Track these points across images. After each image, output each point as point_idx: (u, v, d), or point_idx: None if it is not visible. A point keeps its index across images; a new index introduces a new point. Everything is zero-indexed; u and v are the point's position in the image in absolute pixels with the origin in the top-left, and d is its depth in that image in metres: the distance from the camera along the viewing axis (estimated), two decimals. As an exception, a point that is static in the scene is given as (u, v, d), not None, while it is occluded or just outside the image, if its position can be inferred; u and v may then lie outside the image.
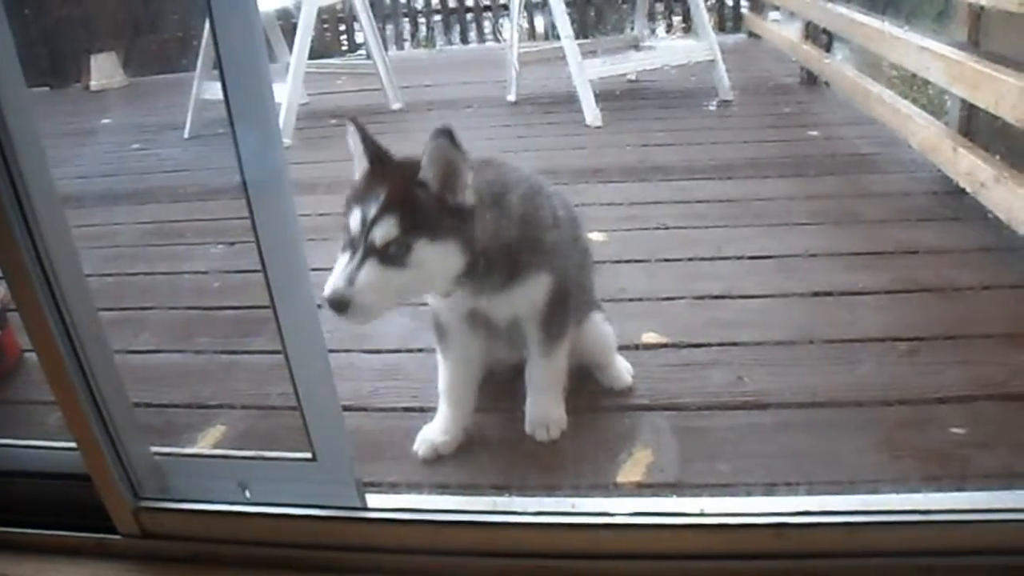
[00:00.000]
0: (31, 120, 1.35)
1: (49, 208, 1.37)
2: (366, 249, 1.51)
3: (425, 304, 1.86)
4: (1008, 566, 1.36)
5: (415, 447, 1.84)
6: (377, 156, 1.60)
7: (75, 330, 1.42)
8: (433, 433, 1.85)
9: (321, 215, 3.23)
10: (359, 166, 1.62)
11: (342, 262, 1.52)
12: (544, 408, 1.85)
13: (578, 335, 1.90)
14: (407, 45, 7.95)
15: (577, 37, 4.60)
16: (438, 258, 1.54)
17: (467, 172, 1.54)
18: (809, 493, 1.53)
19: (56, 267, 1.38)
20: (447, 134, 1.51)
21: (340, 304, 1.49)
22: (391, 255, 1.50)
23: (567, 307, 1.80)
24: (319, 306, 1.41)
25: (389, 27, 7.86)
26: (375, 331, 2.34)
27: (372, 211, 1.51)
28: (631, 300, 2.44)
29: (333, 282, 1.50)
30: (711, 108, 4.67)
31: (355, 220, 1.53)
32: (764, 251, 2.69)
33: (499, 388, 1.95)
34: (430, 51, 7.92)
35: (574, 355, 1.89)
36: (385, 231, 1.50)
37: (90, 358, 1.45)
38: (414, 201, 1.52)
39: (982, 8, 2.91)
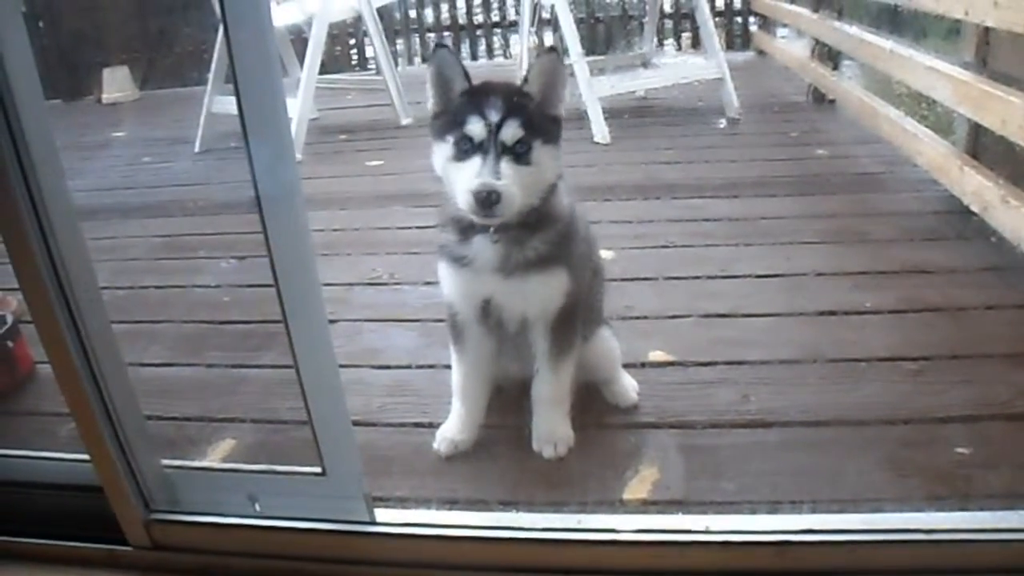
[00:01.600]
0: (49, 133, 1.37)
1: (66, 220, 1.39)
2: (498, 148, 1.61)
3: (433, 320, 1.88)
4: (1011, 586, 1.37)
5: (435, 445, 1.89)
6: (469, 78, 1.69)
7: (89, 342, 1.44)
8: (452, 431, 1.89)
9: (332, 231, 3.25)
10: (438, 94, 1.70)
11: (476, 163, 1.61)
12: (551, 425, 1.86)
13: (585, 349, 1.92)
14: (417, 61, 7.97)
15: (586, 54, 4.61)
16: (549, 159, 1.67)
17: (565, 87, 1.67)
18: (813, 511, 1.54)
19: (72, 279, 1.40)
20: (555, 50, 1.67)
21: (491, 196, 1.58)
22: (518, 153, 1.62)
23: (576, 319, 1.83)
24: (477, 194, 1.57)
25: (399, 43, 7.89)
26: (384, 347, 2.36)
27: (496, 116, 1.61)
28: (638, 318, 2.45)
29: (481, 177, 1.59)
30: (719, 126, 4.68)
31: (478, 126, 1.62)
32: (771, 270, 2.70)
33: (507, 405, 1.97)
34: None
35: (580, 370, 1.91)
36: (512, 131, 1.61)
37: (103, 370, 1.47)
38: (528, 107, 1.64)
39: (988, 29, 2.92)
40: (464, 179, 1.60)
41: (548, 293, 1.76)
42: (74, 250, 1.41)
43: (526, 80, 1.66)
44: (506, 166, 1.60)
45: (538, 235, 1.71)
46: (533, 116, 1.63)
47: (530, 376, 1.87)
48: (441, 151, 1.66)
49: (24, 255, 1.37)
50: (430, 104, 1.71)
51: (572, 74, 4.47)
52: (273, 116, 1.29)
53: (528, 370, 1.87)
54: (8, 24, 1.30)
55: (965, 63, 3.10)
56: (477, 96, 1.65)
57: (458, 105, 1.66)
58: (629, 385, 2.03)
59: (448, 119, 1.66)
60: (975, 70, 2.97)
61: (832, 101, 4.72)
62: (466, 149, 1.63)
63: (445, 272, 1.80)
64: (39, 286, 1.39)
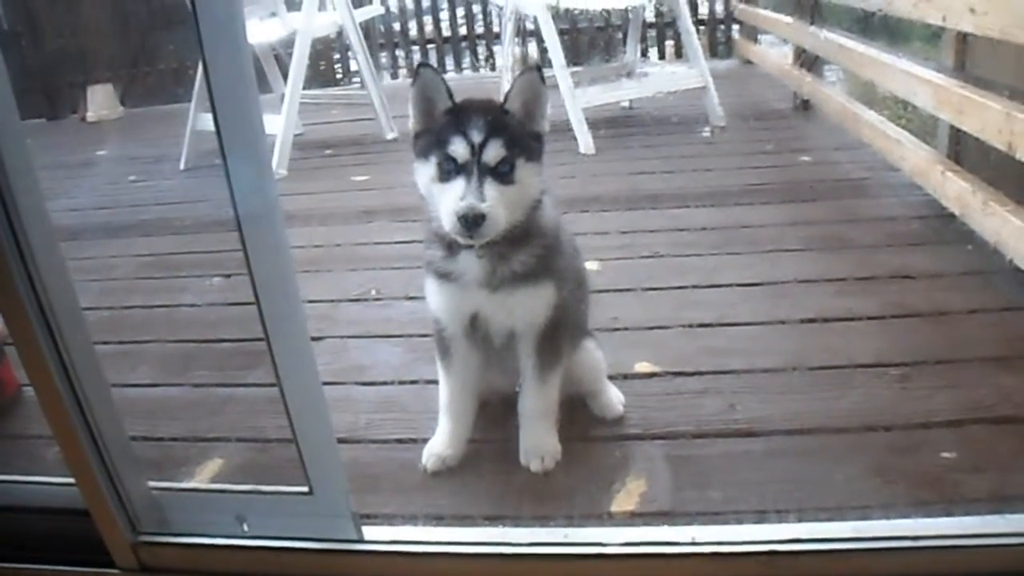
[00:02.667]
0: (26, 152, 1.36)
1: (45, 241, 1.39)
2: (481, 169, 1.62)
3: (419, 335, 1.88)
4: (999, 590, 1.38)
5: (423, 461, 1.88)
6: (453, 97, 1.70)
7: (72, 364, 1.43)
8: (439, 447, 1.89)
9: (316, 247, 3.25)
10: (420, 113, 1.71)
11: (460, 185, 1.62)
12: (538, 438, 1.87)
13: (570, 361, 1.92)
14: (401, 74, 7.98)
15: (569, 64, 4.62)
16: (532, 176, 1.68)
17: (547, 104, 1.69)
18: (800, 520, 1.54)
19: (52, 301, 1.40)
20: (538, 69, 1.66)
21: (476, 219, 1.59)
22: (501, 173, 1.63)
23: (563, 332, 1.84)
24: (461, 217, 1.58)
25: (383, 56, 7.90)
26: (370, 363, 2.36)
27: (479, 136, 1.62)
28: (623, 329, 2.45)
29: (466, 200, 1.59)
30: (703, 134, 4.69)
31: (461, 147, 1.63)
32: (755, 278, 2.71)
33: (493, 419, 1.97)
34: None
35: (566, 383, 1.91)
36: (495, 152, 1.62)
37: (87, 393, 1.46)
38: (510, 125, 1.66)
39: (966, 34, 2.94)
40: (449, 201, 1.61)
41: (534, 306, 1.76)
42: (54, 271, 1.40)
43: (507, 98, 1.67)
44: (490, 187, 1.61)
45: (524, 249, 1.72)
46: (515, 135, 1.64)
47: (516, 390, 1.87)
48: (424, 171, 1.67)
49: (2, 277, 1.37)
50: (411, 123, 1.72)
51: (555, 86, 4.49)
52: (250, 134, 1.29)
53: (514, 384, 1.87)
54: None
55: (944, 68, 3.11)
56: (460, 116, 1.66)
57: (441, 125, 1.67)
58: (615, 397, 2.03)
59: (431, 139, 1.67)
60: (954, 75, 2.99)
61: (815, 108, 4.74)
62: (449, 170, 1.63)
63: (432, 288, 1.81)
64: (18, 309, 1.38)
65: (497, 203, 1.60)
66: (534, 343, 1.80)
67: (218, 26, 1.22)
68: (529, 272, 1.73)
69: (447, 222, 1.61)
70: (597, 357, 2.02)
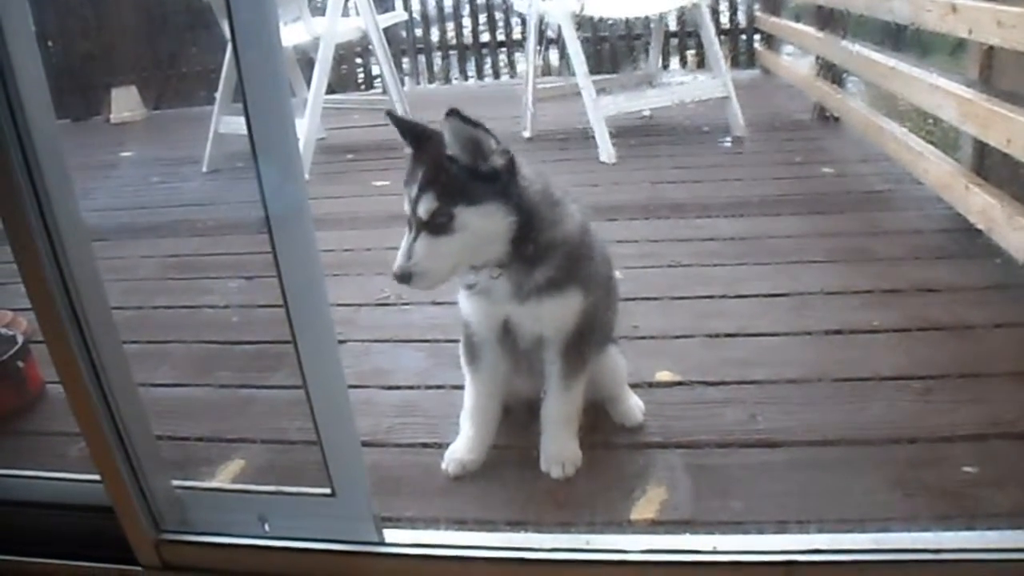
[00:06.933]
0: (61, 155, 1.38)
1: (77, 241, 1.41)
2: (417, 225, 1.65)
3: (441, 340, 1.89)
4: (1019, 606, 1.37)
5: (443, 465, 1.89)
6: (416, 139, 1.73)
7: (100, 362, 1.45)
8: (460, 452, 1.90)
9: (345, 251, 3.26)
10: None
11: (404, 242, 1.66)
12: (560, 445, 1.87)
13: (593, 366, 1.93)
14: (423, 80, 8.00)
15: (592, 73, 4.62)
16: (481, 219, 1.65)
17: (487, 139, 1.64)
18: (820, 531, 1.53)
19: (83, 299, 1.41)
20: (456, 113, 1.62)
21: (404, 277, 1.65)
22: (438, 225, 1.63)
23: (590, 339, 1.84)
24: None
25: (406, 62, 7.92)
26: (392, 367, 2.37)
27: (414, 191, 1.65)
28: (645, 338, 2.45)
29: (398, 259, 1.65)
30: (725, 145, 4.68)
31: (406, 202, 1.67)
32: (778, 289, 2.70)
33: (516, 426, 1.97)
34: (444, 86, 7.97)
35: (588, 387, 1.91)
36: (426, 206, 1.62)
37: (114, 390, 1.48)
38: (447, 174, 1.64)
39: (992, 48, 2.93)
40: None
41: (562, 314, 1.77)
42: (86, 271, 1.42)
43: (447, 145, 1.64)
44: (422, 243, 1.64)
45: (546, 261, 1.72)
46: (454, 182, 1.63)
47: (539, 396, 1.88)
48: None
49: (36, 276, 1.38)
50: None
51: (578, 93, 4.50)
52: (282, 136, 1.30)
53: (539, 389, 1.88)
54: (21, 46, 1.31)
55: (970, 81, 3.10)
56: (409, 168, 1.70)
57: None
58: (635, 405, 2.04)
59: None
60: (980, 88, 2.98)
61: (837, 119, 4.72)
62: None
63: (462, 298, 1.84)
64: (51, 307, 1.40)
65: (428, 258, 1.64)
66: (560, 348, 1.81)
67: (252, 28, 1.24)
68: (554, 281, 1.74)
69: None
70: (619, 363, 2.02)
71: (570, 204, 1.80)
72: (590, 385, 1.92)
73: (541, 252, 1.71)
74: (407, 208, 1.66)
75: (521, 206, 1.67)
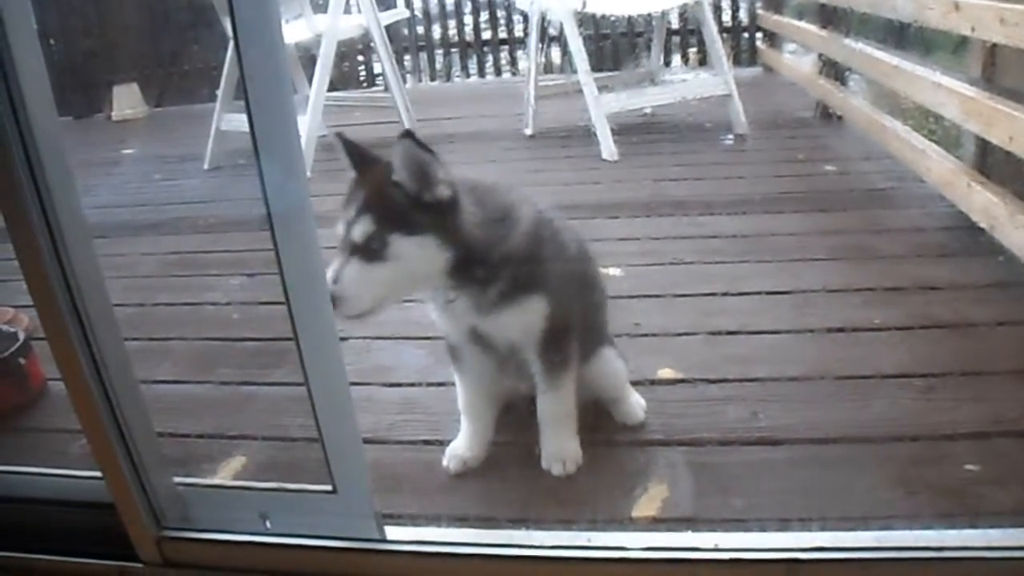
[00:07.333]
0: (63, 152, 1.39)
1: (78, 238, 1.41)
2: (349, 248, 1.60)
3: (441, 338, 1.89)
4: (1022, 603, 1.37)
5: (444, 462, 1.89)
6: (362, 164, 1.71)
7: (102, 359, 1.45)
8: (461, 448, 1.90)
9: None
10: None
11: (332, 265, 1.60)
12: (559, 443, 1.87)
13: (587, 370, 1.92)
14: (424, 78, 8.00)
15: (593, 70, 4.61)
16: (416, 250, 1.61)
17: (437, 168, 1.60)
18: (822, 529, 1.53)
19: (84, 296, 1.42)
20: (410, 136, 1.59)
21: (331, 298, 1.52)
22: (371, 251, 1.59)
23: (567, 337, 1.81)
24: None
25: (407, 59, 7.92)
26: (394, 365, 2.37)
27: (352, 214, 1.61)
28: (647, 335, 2.44)
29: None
30: (727, 142, 4.67)
31: (341, 225, 1.62)
32: (780, 287, 2.70)
33: (517, 422, 1.97)
34: (446, 83, 7.97)
35: (586, 389, 1.91)
36: (362, 229, 1.59)
37: (116, 387, 1.48)
38: (388, 200, 1.60)
39: (995, 45, 2.93)
40: None
41: (526, 321, 1.74)
42: (87, 268, 1.42)
43: (394, 169, 1.61)
44: (350, 268, 1.59)
45: (496, 280, 1.69)
46: (394, 209, 1.60)
47: (534, 393, 1.88)
48: None
49: (38, 273, 1.38)
50: None
51: (580, 91, 4.49)
52: (284, 133, 1.30)
53: (532, 386, 1.87)
54: (23, 43, 1.31)
55: (972, 79, 3.10)
56: (349, 191, 1.68)
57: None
58: (636, 403, 2.03)
59: None
60: (982, 86, 2.97)
61: (839, 117, 4.72)
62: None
63: (431, 308, 1.82)
64: (52, 304, 1.40)
65: (356, 284, 1.58)
66: (536, 351, 1.79)
67: (254, 26, 1.24)
68: (509, 294, 1.71)
69: None
70: (617, 366, 2.01)
71: (521, 211, 1.75)
72: (588, 389, 1.93)
73: (491, 273, 1.68)
74: (340, 231, 1.62)
75: (460, 241, 1.64)
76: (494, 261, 1.68)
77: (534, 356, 1.80)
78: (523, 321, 1.74)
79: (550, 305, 1.74)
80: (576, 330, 1.84)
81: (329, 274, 1.57)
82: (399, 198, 1.60)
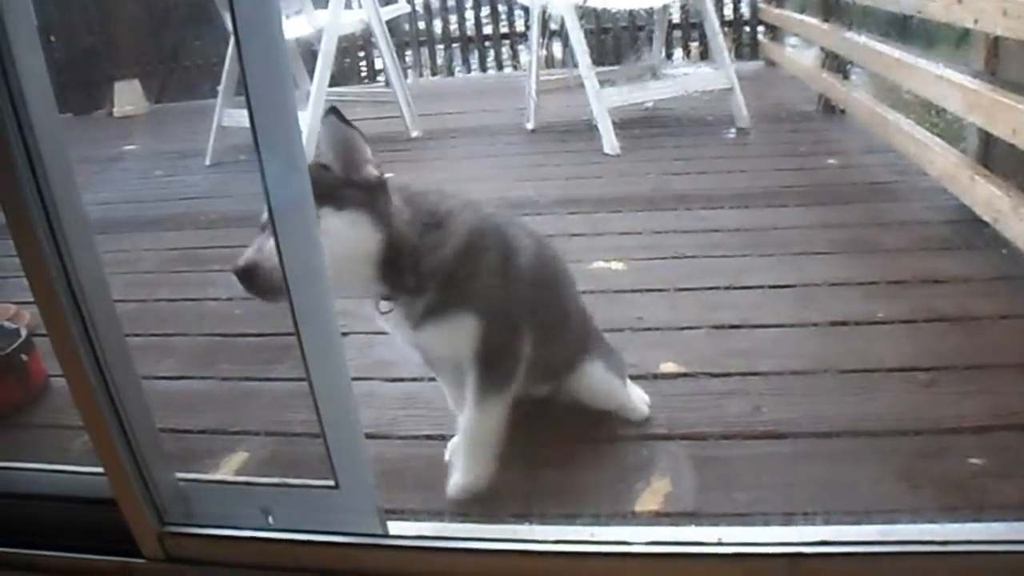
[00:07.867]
0: (63, 148, 1.38)
1: (80, 234, 1.40)
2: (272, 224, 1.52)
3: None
4: (1027, 597, 1.36)
5: (447, 456, 1.89)
6: None
7: (103, 355, 1.44)
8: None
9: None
10: None
11: (254, 242, 1.56)
12: (464, 466, 1.80)
13: (572, 382, 1.93)
14: (426, 73, 7.99)
15: (595, 65, 4.60)
16: (348, 227, 1.57)
17: (363, 146, 1.60)
18: (826, 523, 1.53)
19: (86, 292, 1.41)
20: (335, 112, 1.57)
21: (246, 272, 1.53)
22: None
23: (505, 361, 1.75)
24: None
25: (408, 54, 7.91)
26: (395, 359, 2.36)
27: None
28: (649, 329, 2.44)
29: (246, 252, 1.54)
30: (729, 136, 4.67)
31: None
32: (782, 280, 2.69)
33: (518, 418, 1.96)
34: (448, 78, 7.96)
35: (588, 397, 1.93)
36: None
37: (118, 383, 1.47)
38: (316, 178, 1.47)
39: (998, 38, 2.92)
40: None
41: (456, 338, 1.70)
42: (88, 264, 1.41)
43: (321, 153, 1.59)
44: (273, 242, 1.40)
45: (427, 291, 1.66)
46: (323, 185, 1.49)
47: (547, 392, 1.87)
48: None
49: (39, 269, 1.38)
50: None
51: (581, 85, 4.49)
52: (285, 129, 1.29)
53: (527, 384, 1.85)
54: (23, 40, 1.30)
55: (975, 72, 3.09)
56: None
57: None
58: (639, 399, 2.02)
59: None
60: (985, 79, 2.96)
61: (842, 111, 4.70)
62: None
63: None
64: (54, 300, 1.39)
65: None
66: (470, 366, 1.73)
67: (254, 21, 1.23)
68: (437, 308, 1.67)
69: None
70: (603, 380, 1.95)
71: (457, 222, 1.70)
72: (582, 399, 1.94)
73: (421, 283, 1.65)
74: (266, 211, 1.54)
75: (391, 227, 1.61)
76: (424, 270, 1.64)
77: (468, 369, 1.74)
78: (450, 339, 1.70)
79: (482, 324, 1.68)
80: (522, 351, 1.76)
81: (249, 251, 1.54)
82: (327, 177, 1.58)
